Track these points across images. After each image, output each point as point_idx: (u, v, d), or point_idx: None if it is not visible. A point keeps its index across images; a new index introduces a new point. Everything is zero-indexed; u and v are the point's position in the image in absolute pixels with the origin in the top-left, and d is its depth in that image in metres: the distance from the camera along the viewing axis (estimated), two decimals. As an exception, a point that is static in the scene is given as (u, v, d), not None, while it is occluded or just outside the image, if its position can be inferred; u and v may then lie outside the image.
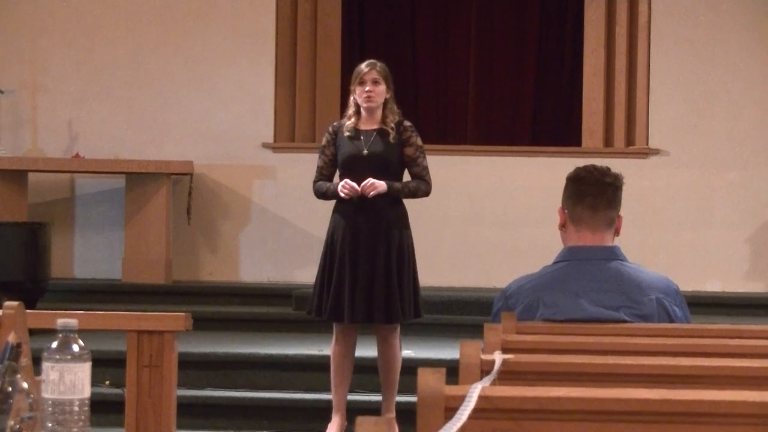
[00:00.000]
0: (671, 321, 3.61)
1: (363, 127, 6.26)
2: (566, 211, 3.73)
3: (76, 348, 2.33)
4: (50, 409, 2.31)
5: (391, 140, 6.22)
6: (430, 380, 2.07)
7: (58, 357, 2.31)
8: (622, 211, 3.76)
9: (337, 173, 6.33)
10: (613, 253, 3.69)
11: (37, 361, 2.45)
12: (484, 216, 9.51)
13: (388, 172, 6.19)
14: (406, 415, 4.92)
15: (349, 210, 6.19)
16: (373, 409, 6.26)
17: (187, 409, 5.85)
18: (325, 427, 6.28)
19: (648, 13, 9.57)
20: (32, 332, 3.42)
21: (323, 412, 6.44)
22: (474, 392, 2.02)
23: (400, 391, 6.27)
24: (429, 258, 7.99)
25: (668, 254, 9.29)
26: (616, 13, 9.65)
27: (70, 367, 2.30)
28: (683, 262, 9.25)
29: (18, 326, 3.10)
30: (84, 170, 9.50)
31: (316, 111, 9.79)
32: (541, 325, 3.51)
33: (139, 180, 9.12)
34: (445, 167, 8.87)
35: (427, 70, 10.37)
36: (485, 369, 2.53)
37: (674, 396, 2.10)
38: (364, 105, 6.23)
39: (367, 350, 6.57)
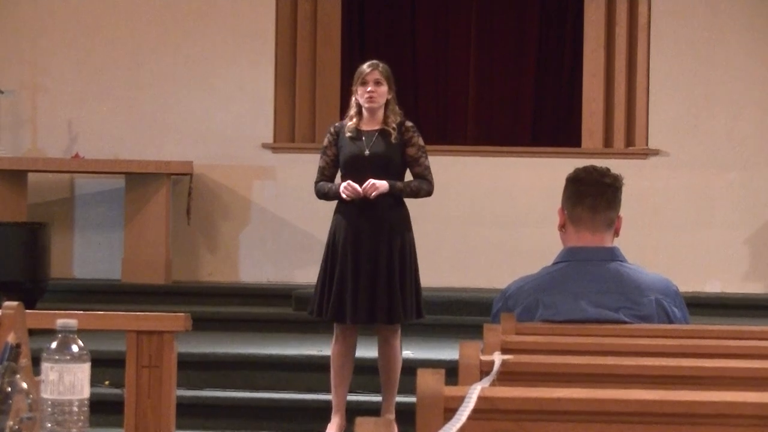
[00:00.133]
0: (671, 322, 3.61)
1: (365, 127, 6.25)
2: (566, 211, 3.73)
3: (75, 348, 2.33)
4: (49, 409, 2.31)
5: (393, 141, 6.21)
6: (429, 381, 2.07)
7: (57, 357, 2.31)
8: (622, 212, 3.75)
9: (339, 174, 6.32)
10: (613, 254, 3.68)
11: (36, 362, 2.45)
12: (484, 216, 9.51)
13: (390, 173, 6.18)
14: (406, 415, 4.92)
15: (351, 211, 6.18)
16: (373, 410, 6.26)
17: (186, 410, 5.84)
18: (325, 428, 6.28)
19: (648, 13, 9.56)
20: (32, 332, 3.41)
21: (323, 412, 6.44)
22: (473, 393, 2.02)
23: (400, 392, 6.27)
24: (429, 258, 7.98)
25: (668, 255, 9.28)
26: (616, 14, 9.64)
27: (69, 368, 2.30)
28: (683, 263, 9.25)
29: (17, 326, 3.09)
30: (84, 170, 9.50)
31: (316, 111, 9.78)
32: (541, 326, 3.51)
33: (139, 180, 9.11)
34: (445, 167, 8.86)
35: (427, 70, 10.36)
36: (485, 370, 2.53)
37: (674, 397, 2.10)
38: (366, 105, 6.22)
39: (367, 351, 6.57)
